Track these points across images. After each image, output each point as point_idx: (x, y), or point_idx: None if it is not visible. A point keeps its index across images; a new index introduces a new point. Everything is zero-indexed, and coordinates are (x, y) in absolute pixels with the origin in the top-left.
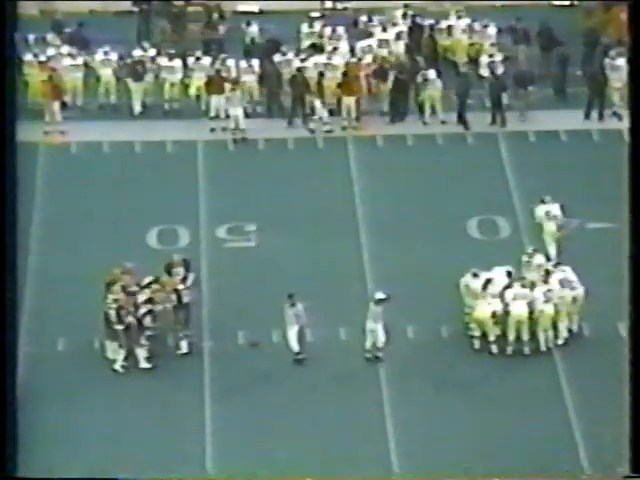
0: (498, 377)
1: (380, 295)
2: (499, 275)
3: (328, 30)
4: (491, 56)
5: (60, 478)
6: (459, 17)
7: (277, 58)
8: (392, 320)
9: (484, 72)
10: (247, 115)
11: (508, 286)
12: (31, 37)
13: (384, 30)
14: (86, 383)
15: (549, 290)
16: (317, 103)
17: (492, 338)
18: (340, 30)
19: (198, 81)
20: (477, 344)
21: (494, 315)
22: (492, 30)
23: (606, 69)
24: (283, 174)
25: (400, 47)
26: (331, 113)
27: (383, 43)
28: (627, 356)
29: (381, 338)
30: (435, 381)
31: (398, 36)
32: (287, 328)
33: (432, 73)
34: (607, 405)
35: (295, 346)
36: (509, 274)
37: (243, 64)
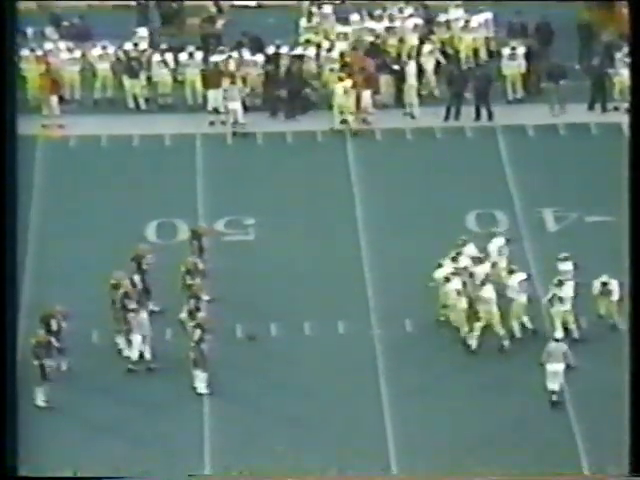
0: (498, 376)
1: (559, 334)
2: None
3: (327, 24)
4: (513, 49)
5: (60, 478)
6: (466, 11)
7: (271, 51)
8: (391, 314)
9: (506, 64)
10: (246, 108)
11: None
12: (30, 31)
13: (392, 21)
14: (85, 379)
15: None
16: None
17: (476, 333)
18: (339, 23)
19: (192, 76)
20: (469, 339)
21: (471, 306)
22: (490, 24)
23: (617, 65)
24: (282, 168)
25: (414, 39)
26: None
27: (390, 34)
28: (627, 353)
29: (559, 380)
30: (434, 377)
31: (415, 28)
32: (133, 334)
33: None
34: (607, 404)
35: (136, 354)
36: (475, 260)
37: (246, 57)
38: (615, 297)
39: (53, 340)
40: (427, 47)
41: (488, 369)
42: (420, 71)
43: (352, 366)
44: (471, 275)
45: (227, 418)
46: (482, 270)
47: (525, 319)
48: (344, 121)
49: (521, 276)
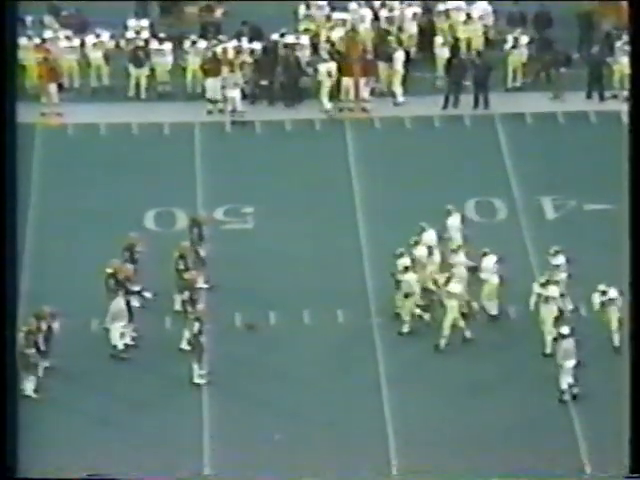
0: (498, 372)
1: (565, 330)
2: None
3: (325, 12)
4: (516, 38)
5: (60, 478)
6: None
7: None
8: (390, 303)
9: (509, 52)
10: (245, 97)
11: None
12: (28, 19)
13: (391, 10)
14: (84, 376)
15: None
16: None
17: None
18: (337, 12)
19: (194, 65)
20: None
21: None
22: (489, 12)
23: (617, 53)
24: (280, 156)
25: (413, 28)
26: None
27: (388, 22)
28: (627, 352)
29: (567, 378)
30: (434, 367)
31: (414, 16)
32: (116, 321)
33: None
34: (608, 404)
35: (119, 343)
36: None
37: (245, 45)
38: (619, 306)
39: (40, 341)
40: (439, 39)
41: (489, 363)
42: (432, 62)
43: (351, 355)
44: (423, 267)
45: (226, 408)
46: (459, 261)
47: (493, 304)
48: (340, 109)
49: (493, 258)
